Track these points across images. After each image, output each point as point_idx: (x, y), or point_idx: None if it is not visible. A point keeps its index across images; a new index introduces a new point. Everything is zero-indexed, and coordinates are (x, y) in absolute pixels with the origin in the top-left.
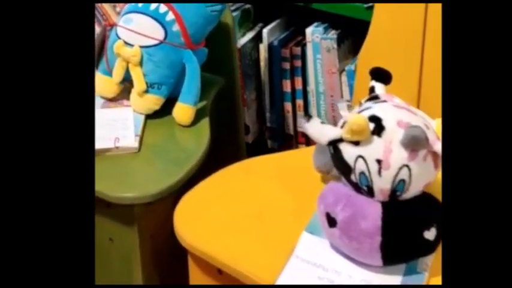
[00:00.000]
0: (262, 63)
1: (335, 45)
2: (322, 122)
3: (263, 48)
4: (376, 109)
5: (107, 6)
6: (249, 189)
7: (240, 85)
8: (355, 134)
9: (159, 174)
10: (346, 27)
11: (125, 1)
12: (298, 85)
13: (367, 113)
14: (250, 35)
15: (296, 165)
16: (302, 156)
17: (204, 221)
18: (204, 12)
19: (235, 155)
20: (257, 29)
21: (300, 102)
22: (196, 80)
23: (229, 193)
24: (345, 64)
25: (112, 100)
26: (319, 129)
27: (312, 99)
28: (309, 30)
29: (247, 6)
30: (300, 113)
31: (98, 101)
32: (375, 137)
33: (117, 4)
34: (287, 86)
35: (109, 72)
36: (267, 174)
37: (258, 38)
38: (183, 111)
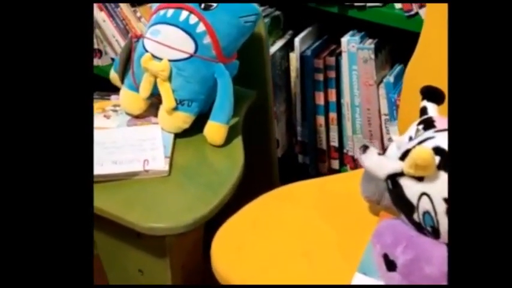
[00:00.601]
0: (293, 73)
1: (372, 56)
2: (380, 154)
3: (294, 57)
4: (440, 139)
5: (126, 11)
6: (291, 220)
7: None
8: (420, 169)
9: (192, 202)
10: (383, 35)
11: (125, 1)
12: (332, 97)
13: (430, 144)
14: (280, 44)
15: (340, 191)
16: (346, 181)
17: (243, 257)
18: (237, 23)
19: (267, 171)
20: (287, 36)
21: (333, 115)
22: (229, 97)
23: (269, 224)
24: (382, 75)
25: (138, 117)
26: (377, 162)
27: (346, 112)
28: (344, 40)
29: (277, 12)
30: (333, 126)
31: (124, 118)
32: (441, 172)
33: (137, 9)
34: (320, 98)
35: (135, 87)
36: (309, 202)
37: (288, 47)
38: (215, 130)
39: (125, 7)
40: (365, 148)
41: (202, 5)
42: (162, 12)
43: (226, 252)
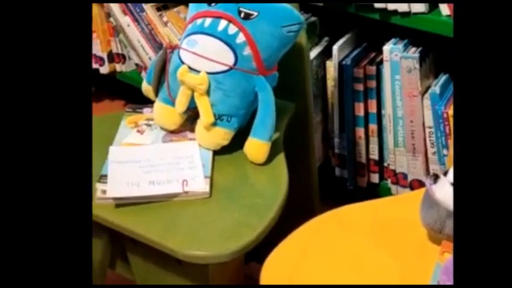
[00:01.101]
0: (331, 82)
1: (417, 65)
2: (451, 183)
3: (332, 66)
4: None
5: (152, 16)
6: (344, 248)
7: None
8: None
9: (236, 226)
10: (427, 43)
11: (126, 1)
12: (372, 108)
13: None
14: (316, 51)
15: (396, 216)
16: (402, 204)
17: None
18: (280, 33)
19: (306, 187)
20: (324, 43)
21: (373, 127)
22: (271, 112)
23: (321, 252)
24: (426, 84)
25: (173, 132)
26: (450, 194)
27: (388, 124)
28: (387, 48)
29: (313, 18)
30: (373, 138)
31: (159, 133)
32: None
33: (163, 13)
34: (360, 109)
35: (171, 101)
36: (364, 228)
37: (324, 54)
38: (257, 148)
39: (150, 11)
40: (435, 177)
41: (242, 14)
42: (199, 21)
43: (277, 281)
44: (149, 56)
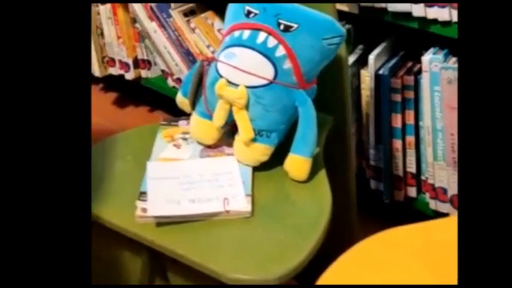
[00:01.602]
0: (366, 92)
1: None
2: None
3: (367, 75)
4: None
5: (179, 22)
6: (395, 273)
7: None
8: None
9: (281, 248)
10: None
11: (127, 1)
12: (410, 120)
13: None
14: (350, 60)
15: (449, 239)
16: (455, 226)
17: None
18: (320, 46)
19: (343, 201)
20: (358, 51)
21: (410, 139)
22: (312, 127)
23: (371, 277)
24: None
25: (210, 146)
26: None
27: (426, 136)
28: (426, 58)
29: (347, 26)
30: (411, 151)
31: (196, 148)
32: None
33: (191, 19)
34: (397, 120)
35: (209, 115)
36: (415, 252)
37: (358, 63)
38: (298, 164)
39: (177, 17)
40: None
41: (282, 26)
42: (237, 33)
43: None
44: (176, 62)
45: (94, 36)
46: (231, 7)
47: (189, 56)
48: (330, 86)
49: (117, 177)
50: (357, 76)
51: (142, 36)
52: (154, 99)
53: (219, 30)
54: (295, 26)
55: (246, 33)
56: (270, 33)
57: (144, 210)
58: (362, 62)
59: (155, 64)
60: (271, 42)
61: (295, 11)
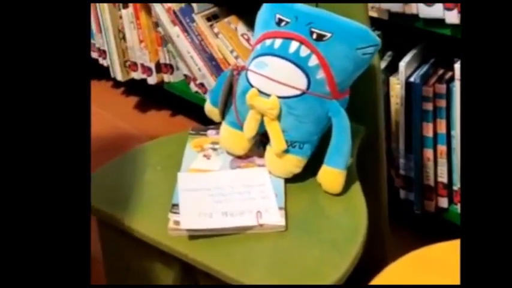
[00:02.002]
0: (396, 100)
1: None
2: None
3: (397, 83)
4: None
5: (202, 26)
6: None
7: None
8: None
9: (318, 264)
10: None
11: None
12: (441, 129)
13: None
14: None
15: None
16: None
17: None
18: (354, 56)
19: (375, 213)
20: (387, 58)
21: (442, 148)
22: (346, 138)
23: None
24: None
25: (241, 157)
26: None
27: (458, 146)
28: (458, 67)
29: (376, 32)
30: (442, 160)
31: (226, 159)
32: None
33: (214, 24)
34: (428, 129)
35: (239, 125)
36: (453, 269)
37: (388, 69)
38: (332, 177)
39: (200, 22)
40: None
41: (315, 35)
42: (268, 42)
43: None
44: (198, 67)
45: (116, 40)
46: (261, 15)
47: (212, 61)
48: (362, 95)
49: (148, 188)
50: (386, 83)
51: (165, 40)
52: (177, 103)
53: (242, 35)
54: (329, 35)
55: (278, 42)
56: (302, 43)
57: (177, 223)
58: (391, 68)
59: (178, 69)
60: (304, 51)
61: (328, 20)
